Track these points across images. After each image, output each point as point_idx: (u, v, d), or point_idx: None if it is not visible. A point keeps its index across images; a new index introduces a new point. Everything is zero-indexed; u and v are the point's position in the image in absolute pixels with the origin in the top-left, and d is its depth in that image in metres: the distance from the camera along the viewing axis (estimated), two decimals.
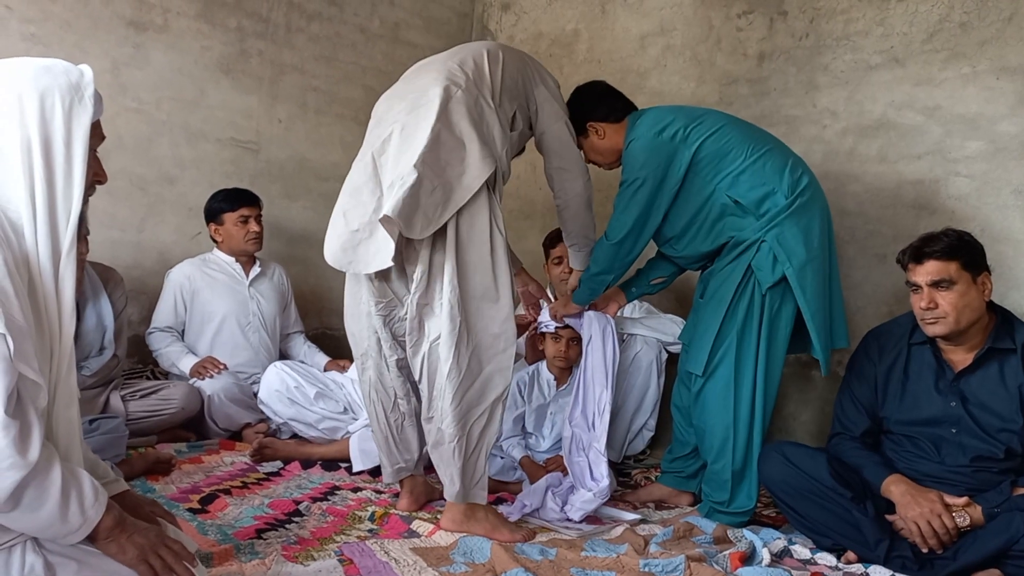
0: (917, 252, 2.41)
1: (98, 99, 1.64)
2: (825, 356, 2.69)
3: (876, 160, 3.39)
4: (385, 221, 2.28)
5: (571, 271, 3.16)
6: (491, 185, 2.43)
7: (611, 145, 2.94)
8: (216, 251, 3.92)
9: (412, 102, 2.47)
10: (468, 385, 2.41)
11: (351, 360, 3.71)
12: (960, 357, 2.44)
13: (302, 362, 3.87)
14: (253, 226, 3.86)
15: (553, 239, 3.69)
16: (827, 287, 2.72)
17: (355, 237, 2.43)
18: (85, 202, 1.66)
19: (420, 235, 2.32)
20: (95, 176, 1.69)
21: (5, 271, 1.43)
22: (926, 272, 2.38)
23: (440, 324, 2.39)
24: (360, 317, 2.63)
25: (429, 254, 2.39)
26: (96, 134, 1.67)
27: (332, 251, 2.49)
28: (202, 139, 4.18)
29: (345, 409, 3.48)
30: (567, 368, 3.38)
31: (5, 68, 1.59)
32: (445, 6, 5.15)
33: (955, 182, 3.16)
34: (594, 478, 2.79)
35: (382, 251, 2.37)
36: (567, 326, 3.21)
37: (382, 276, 2.52)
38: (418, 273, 2.40)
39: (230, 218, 3.83)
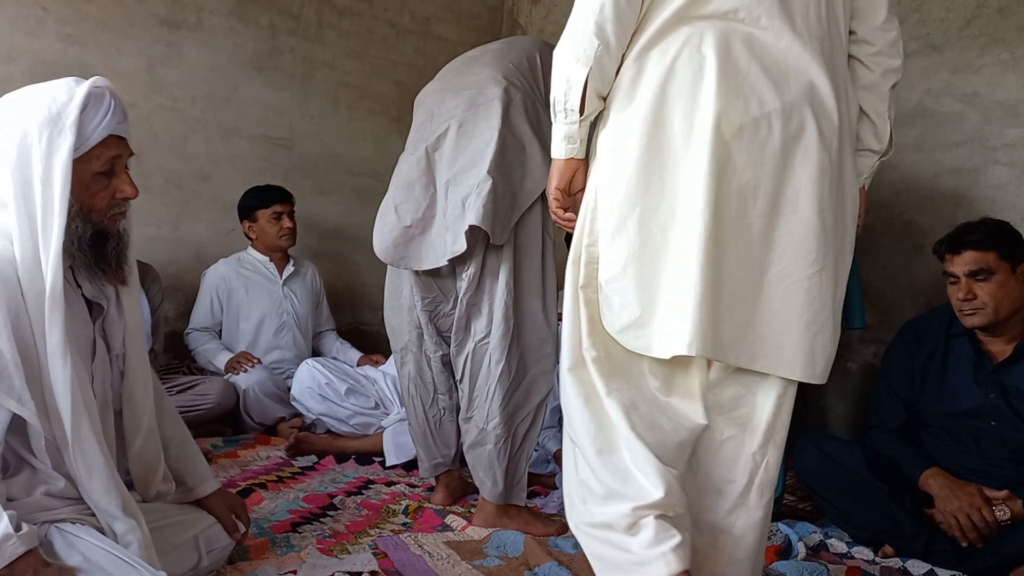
0: (954, 242, 2.38)
1: (111, 113, 1.61)
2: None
3: (913, 149, 3.33)
4: (472, 231, 2.28)
5: None
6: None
7: None
8: (250, 249, 3.95)
9: (469, 99, 2.42)
10: (515, 387, 2.41)
11: (384, 355, 3.74)
12: (1000, 348, 2.40)
13: (335, 359, 3.90)
14: (286, 222, 3.89)
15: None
16: None
17: (408, 233, 2.42)
18: (115, 219, 1.68)
19: (500, 240, 2.32)
20: (118, 194, 1.68)
21: (2, 304, 1.48)
22: (964, 262, 2.34)
23: (490, 325, 2.39)
24: (400, 311, 2.62)
25: (483, 255, 2.38)
26: (119, 149, 1.66)
27: (383, 246, 2.48)
28: (236, 136, 4.21)
29: (376, 404, 3.50)
30: None
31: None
32: (475, 0, 5.15)
33: (994, 170, 3.10)
34: None
35: (436, 248, 2.37)
36: None
37: (430, 272, 2.48)
38: (470, 272, 2.39)
39: (263, 215, 3.86)
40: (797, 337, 1.57)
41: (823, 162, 1.55)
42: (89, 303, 1.72)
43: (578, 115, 1.61)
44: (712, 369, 1.64)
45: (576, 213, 1.71)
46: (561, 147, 1.67)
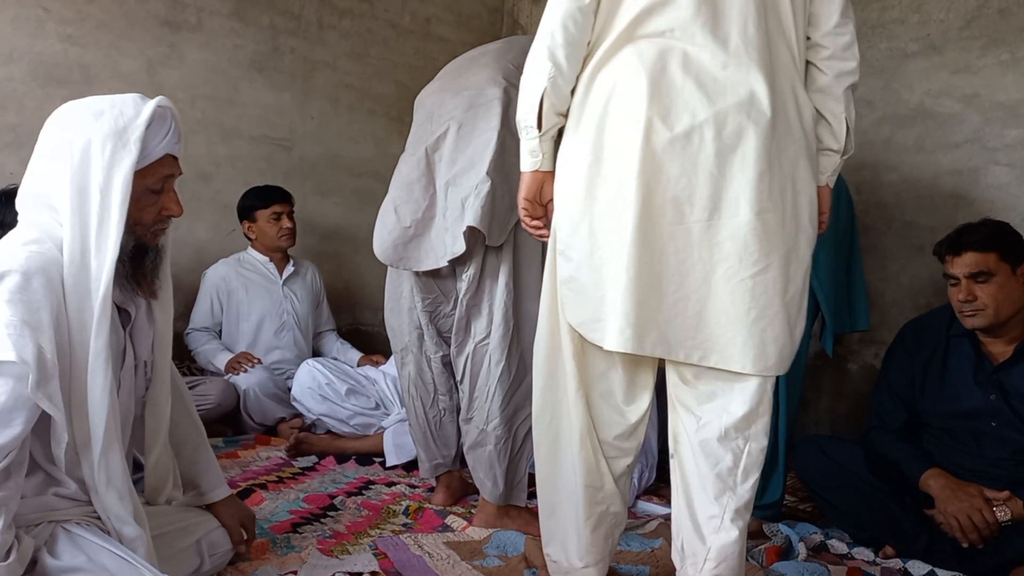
0: (954, 243, 2.37)
1: (171, 133, 1.67)
2: (832, 336, 2.67)
3: (913, 150, 3.34)
4: (470, 232, 2.28)
5: None
6: None
7: None
8: (250, 250, 3.96)
9: (468, 99, 2.41)
10: (515, 388, 2.41)
11: (384, 355, 3.74)
12: (1000, 349, 2.40)
13: (335, 359, 3.90)
14: (286, 222, 3.89)
15: None
16: (845, 268, 2.69)
17: (407, 233, 2.42)
18: (157, 235, 1.73)
19: (497, 242, 2.33)
20: (165, 211, 1.72)
21: (48, 306, 1.49)
22: (964, 264, 2.34)
23: (490, 326, 2.39)
24: (401, 312, 2.61)
25: (483, 256, 2.37)
26: (172, 168, 1.72)
27: (383, 246, 2.48)
28: (236, 136, 4.21)
29: (377, 405, 3.50)
30: None
31: (62, 113, 1.64)
32: (476, 0, 5.15)
33: (994, 171, 3.11)
34: None
35: (436, 249, 2.37)
36: None
37: (430, 273, 2.48)
38: (470, 273, 2.38)
39: (263, 215, 3.86)
40: (746, 333, 1.67)
41: (761, 166, 1.63)
42: (118, 309, 1.73)
43: (536, 131, 1.75)
44: (686, 367, 1.76)
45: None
46: (527, 161, 1.82)
